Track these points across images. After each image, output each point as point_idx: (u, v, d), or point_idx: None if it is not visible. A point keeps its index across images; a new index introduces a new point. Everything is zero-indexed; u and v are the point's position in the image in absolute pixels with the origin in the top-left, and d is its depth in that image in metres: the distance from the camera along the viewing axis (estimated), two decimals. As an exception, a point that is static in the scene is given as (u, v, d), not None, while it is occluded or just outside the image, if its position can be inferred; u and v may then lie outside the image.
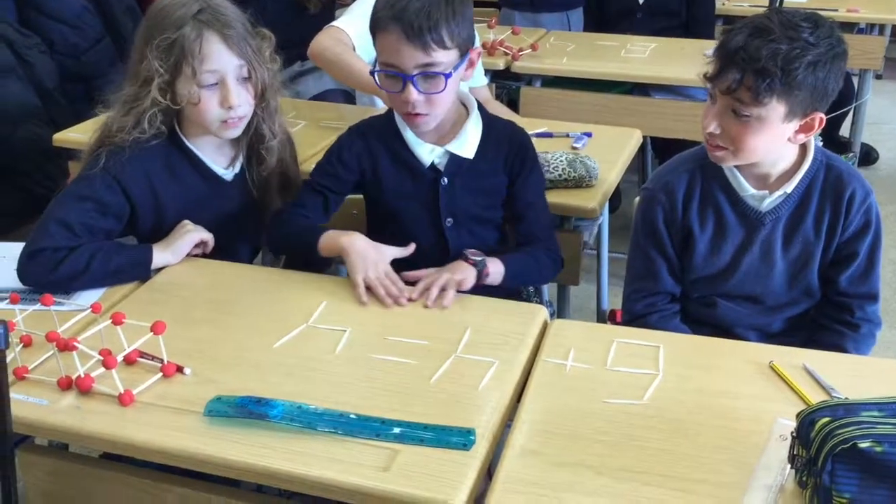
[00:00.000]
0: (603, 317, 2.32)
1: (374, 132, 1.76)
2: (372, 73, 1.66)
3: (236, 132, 1.69)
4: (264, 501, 1.32)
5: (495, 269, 1.65)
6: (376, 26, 1.61)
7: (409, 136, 1.72)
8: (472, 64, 1.68)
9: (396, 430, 1.21)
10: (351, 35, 2.39)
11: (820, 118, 1.48)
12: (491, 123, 1.77)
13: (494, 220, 1.83)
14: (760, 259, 1.61)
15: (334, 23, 2.44)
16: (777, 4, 2.92)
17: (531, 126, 2.33)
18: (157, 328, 1.35)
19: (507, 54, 2.98)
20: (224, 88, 1.61)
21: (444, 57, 1.59)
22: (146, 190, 1.68)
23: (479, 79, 2.75)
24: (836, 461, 1.00)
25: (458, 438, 1.19)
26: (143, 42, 1.61)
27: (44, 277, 1.57)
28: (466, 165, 1.73)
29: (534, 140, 2.21)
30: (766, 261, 1.61)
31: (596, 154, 2.10)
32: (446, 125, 1.72)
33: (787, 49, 1.40)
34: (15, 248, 1.63)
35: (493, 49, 2.99)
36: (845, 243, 1.59)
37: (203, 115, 1.63)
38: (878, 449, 0.98)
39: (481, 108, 1.78)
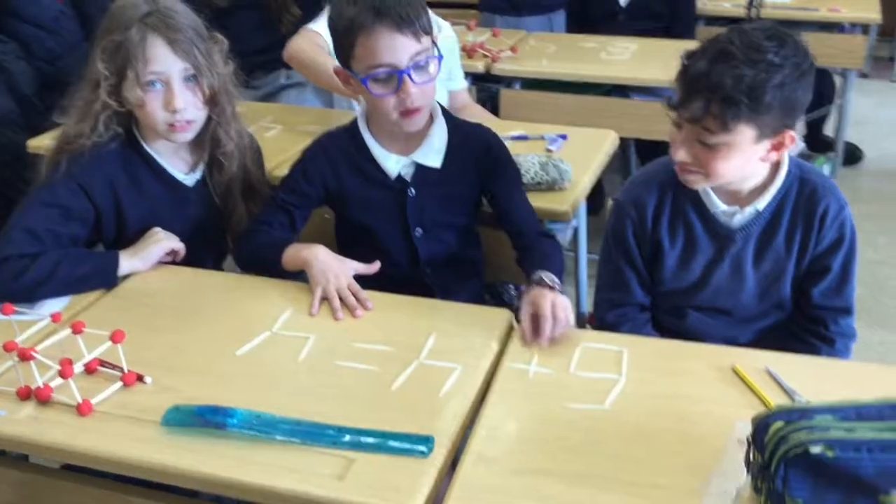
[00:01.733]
0: (582, 320, 2.31)
1: (338, 146, 1.74)
2: (363, 81, 1.58)
3: (185, 136, 1.67)
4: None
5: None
6: (357, 29, 1.55)
7: (374, 148, 1.71)
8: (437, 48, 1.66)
9: (354, 437, 1.20)
10: (325, 37, 2.38)
11: (790, 136, 1.45)
12: (456, 128, 1.75)
13: (465, 227, 1.82)
14: (731, 275, 1.60)
15: (309, 25, 2.43)
16: (756, 5, 2.92)
17: (507, 128, 2.32)
18: (116, 337, 1.34)
19: (486, 57, 2.97)
20: (168, 91, 1.60)
21: (428, 42, 1.60)
22: (108, 194, 1.68)
23: (459, 82, 2.74)
24: (788, 466, 0.98)
25: (416, 446, 1.18)
26: (95, 44, 1.61)
27: (8, 285, 1.56)
28: (434, 174, 1.72)
29: (508, 143, 2.21)
30: (736, 276, 1.60)
31: (570, 156, 2.09)
32: (413, 133, 1.70)
33: (752, 73, 1.35)
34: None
35: (472, 52, 2.98)
36: (818, 258, 1.57)
37: (149, 118, 1.62)
38: (830, 454, 0.97)
39: (446, 112, 1.76)
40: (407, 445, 1.19)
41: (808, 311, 1.61)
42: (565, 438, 1.20)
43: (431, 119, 1.72)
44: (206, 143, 1.74)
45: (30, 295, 1.57)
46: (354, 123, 1.74)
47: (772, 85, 1.36)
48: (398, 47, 1.55)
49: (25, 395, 1.31)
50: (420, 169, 1.71)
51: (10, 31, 3.02)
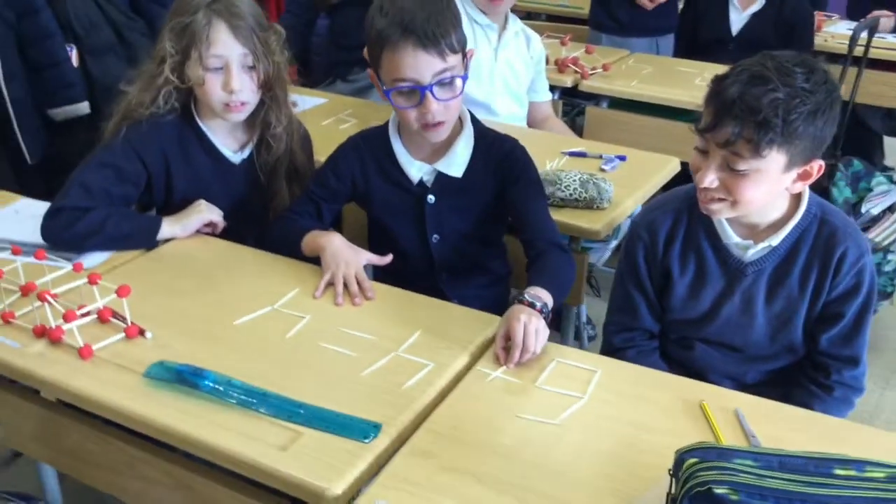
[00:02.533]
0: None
1: (369, 146, 1.79)
2: (387, 93, 1.64)
3: (239, 116, 1.78)
4: (189, 467, 1.37)
5: (550, 303, 1.49)
6: (384, 44, 1.58)
7: (399, 152, 1.74)
8: (467, 65, 1.68)
9: (308, 413, 1.26)
10: None
11: (819, 165, 1.41)
12: (483, 139, 1.76)
13: (487, 237, 1.83)
14: (741, 310, 1.55)
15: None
16: (862, 43, 2.78)
17: (577, 145, 2.33)
18: (121, 291, 1.45)
19: (576, 73, 2.97)
20: (227, 73, 1.71)
21: (455, 60, 1.61)
22: (160, 162, 1.81)
23: (542, 94, 2.76)
24: (692, 503, 0.97)
25: (362, 429, 1.22)
26: (165, 24, 1.74)
27: (60, 235, 1.71)
28: (455, 183, 1.74)
29: (565, 159, 2.23)
30: (746, 312, 1.55)
31: (622, 178, 2.08)
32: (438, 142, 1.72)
33: (787, 98, 1.31)
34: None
35: (563, 66, 2.99)
36: (831, 303, 1.51)
37: (207, 96, 1.74)
38: (734, 497, 0.94)
39: (475, 122, 1.77)
40: (354, 428, 1.23)
41: (814, 357, 1.55)
42: (507, 446, 1.21)
43: (460, 127, 1.75)
44: (258, 125, 1.85)
45: (77, 246, 1.71)
46: (387, 125, 1.79)
47: (806, 111, 1.32)
48: (421, 65, 1.57)
49: (40, 333, 1.45)
50: (441, 177, 1.74)
51: (140, 9, 3.25)
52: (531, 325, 1.38)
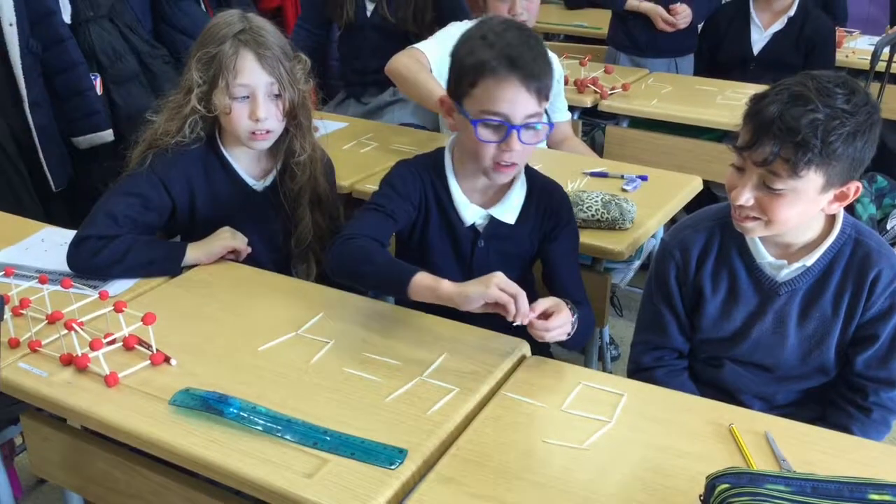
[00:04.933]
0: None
1: (429, 180, 1.72)
2: (474, 123, 1.56)
3: (264, 144, 1.80)
4: (214, 494, 1.37)
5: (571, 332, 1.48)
6: (488, 73, 1.53)
7: (455, 193, 1.69)
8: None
9: (334, 439, 1.25)
10: (430, 58, 2.45)
11: (856, 186, 1.40)
12: (534, 186, 1.72)
13: (522, 279, 1.81)
14: (773, 330, 1.54)
15: (415, 45, 2.51)
16: (885, 59, 2.75)
17: (598, 165, 2.32)
18: (147, 319, 1.46)
19: (596, 93, 2.97)
20: (253, 102, 1.73)
21: (544, 108, 1.58)
22: (185, 190, 1.82)
23: (561, 114, 2.76)
24: (724, 530, 0.95)
25: (387, 456, 1.22)
26: (192, 54, 1.76)
27: (86, 263, 1.72)
28: (505, 230, 1.71)
29: (587, 179, 2.22)
30: (778, 332, 1.54)
31: (644, 198, 2.07)
32: (496, 185, 1.69)
33: (827, 119, 1.31)
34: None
35: (582, 86, 2.99)
36: (865, 325, 1.50)
37: (233, 124, 1.75)
38: (767, 523, 0.93)
39: (527, 168, 1.73)
40: (380, 455, 1.23)
41: (850, 379, 1.53)
42: (533, 472, 1.20)
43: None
44: (282, 153, 1.86)
45: (103, 273, 1.73)
46: (441, 161, 1.72)
47: (845, 132, 1.32)
48: (518, 103, 1.53)
49: (67, 361, 1.45)
50: (494, 222, 1.70)
51: (162, 37, 3.30)
52: (560, 316, 1.41)
